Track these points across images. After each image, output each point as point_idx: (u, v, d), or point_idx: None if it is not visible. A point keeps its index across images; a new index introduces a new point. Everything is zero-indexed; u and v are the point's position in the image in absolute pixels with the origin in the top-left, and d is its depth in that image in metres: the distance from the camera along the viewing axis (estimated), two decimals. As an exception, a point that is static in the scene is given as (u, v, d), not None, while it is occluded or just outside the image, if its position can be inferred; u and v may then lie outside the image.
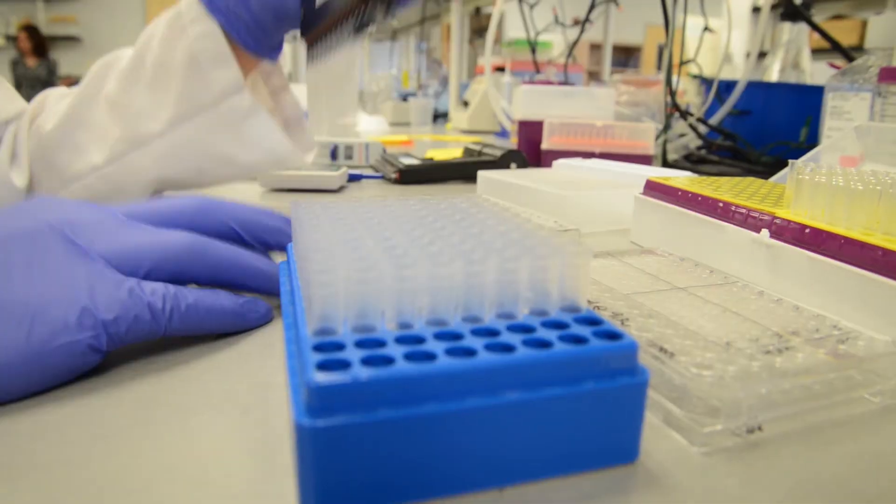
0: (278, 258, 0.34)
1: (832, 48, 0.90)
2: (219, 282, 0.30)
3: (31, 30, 5.14)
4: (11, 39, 5.51)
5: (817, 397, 0.24)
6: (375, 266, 0.20)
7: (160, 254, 0.28)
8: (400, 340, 0.19)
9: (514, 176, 0.62)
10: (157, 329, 0.26)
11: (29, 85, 4.71)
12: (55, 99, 0.56)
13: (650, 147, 0.83)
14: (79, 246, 0.27)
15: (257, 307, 0.31)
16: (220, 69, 0.50)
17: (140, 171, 0.51)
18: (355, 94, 0.46)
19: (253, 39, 0.51)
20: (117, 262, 0.27)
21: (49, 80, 4.99)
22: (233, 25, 0.50)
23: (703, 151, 1.03)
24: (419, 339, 0.20)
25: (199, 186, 0.57)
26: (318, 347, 0.19)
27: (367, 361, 0.18)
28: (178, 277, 0.29)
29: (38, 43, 5.11)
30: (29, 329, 0.24)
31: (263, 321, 0.32)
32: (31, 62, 5.05)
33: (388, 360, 0.18)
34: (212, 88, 0.50)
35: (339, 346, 0.19)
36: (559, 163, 0.70)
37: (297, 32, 0.51)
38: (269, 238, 0.34)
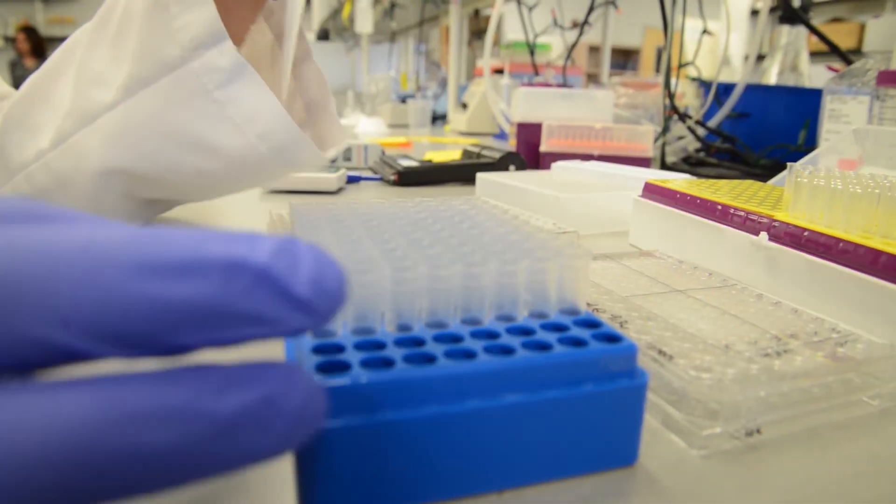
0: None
1: (830, 51, 0.90)
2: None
3: (29, 31, 5.15)
4: (10, 41, 5.51)
5: (816, 400, 0.24)
6: (375, 268, 0.20)
7: None
8: (399, 342, 0.19)
9: (512, 178, 0.62)
10: None
11: None
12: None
13: (649, 149, 0.83)
14: None
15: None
16: (191, 10, 0.35)
17: (84, 157, 0.38)
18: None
19: None
20: None
21: None
22: None
23: (701, 154, 1.03)
24: (419, 342, 0.20)
25: (176, 194, 0.42)
26: (318, 349, 0.19)
27: (366, 363, 0.18)
28: None
29: (37, 44, 5.12)
30: None
31: None
32: (30, 63, 5.05)
33: (388, 363, 0.18)
34: (178, 37, 0.35)
35: (339, 348, 0.19)
36: (557, 165, 0.70)
37: None
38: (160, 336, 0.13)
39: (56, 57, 0.41)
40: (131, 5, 0.37)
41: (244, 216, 0.61)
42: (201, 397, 0.13)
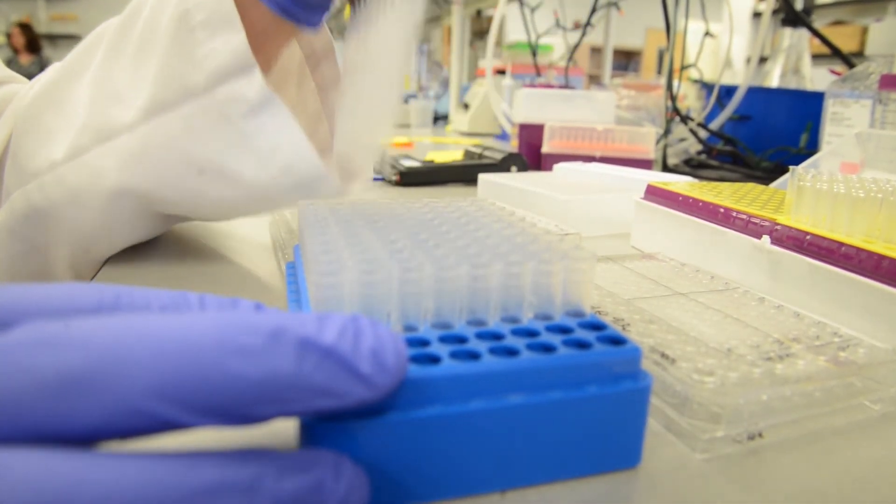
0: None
1: (833, 54, 0.90)
2: None
3: (23, 26, 5.14)
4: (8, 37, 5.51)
5: (818, 404, 0.24)
6: (381, 268, 0.20)
7: None
8: (405, 343, 0.19)
9: (514, 179, 0.62)
10: None
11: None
12: (51, 69, 0.43)
13: (650, 151, 0.83)
14: None
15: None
16: (218, 36, 0.34)
17: (101, 176, 0.36)
18: (397, 95, 0.35)
19: None
20: None
21: None
22: None
23: (703, 156, 1.03)
24: (424, 342, 0.20)
25: (187, 214, 0.41)
26: (324, 349, 0.19)
27: (372, 364, 0.18)
28: None
29: (31, 39, 5.11)
30: None
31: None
32: (25, 60, 5.05)
33: (393, 363, 0.18)
34: (204, 65, 0.34)
35: (345, 349, 0.19)
36: (560, 166, 0.70)
37: None
38: (243, 408, 0.14)
39: (73, 58, 0.40)
40: (155, 21, 0.36)
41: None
42: (264, 478, 0.14)
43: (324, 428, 0.17)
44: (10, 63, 5.06)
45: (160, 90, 0.35)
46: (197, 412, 0.14)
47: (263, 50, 0.36)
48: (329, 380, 0.15)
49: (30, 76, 0.48)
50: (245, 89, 0.34)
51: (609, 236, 0.53)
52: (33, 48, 5.12)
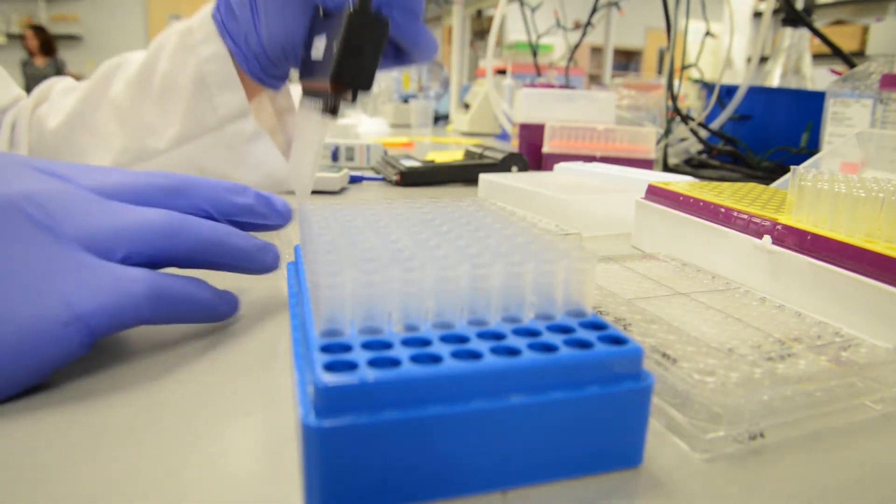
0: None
1: (833, 54, 0.90)
2: (197, 262, 0.28)
3: (36, 29, 5.14)
4: (14, 38, 5.51)
5: (819, 404, 0.24)
6: (383, 269, 0.20)
7: (136, 235, 0.26)
8: (406, 342, 0.20)
9: (514, 179, 0.62)
10: (136, 320, 0.25)
11: (35, 87, 4.70)
12: (60, 92, 0.55)
13: (651, 151, 0.83)
14: (48, 228, 0.24)
15: (229, 300, 0.30)
16: (227, 93, 0.51)
17: None
18: (312, 164, 0.47)
19: (259, 68, 0.52)
20: (91, 245, 0.25)
21: None
22: (241, 51, 0.51)
23: (703, 156, 1.03)
24: (425, 342, 0.20)
25: None
26: (326, 349, 0.19)
27: (373, 363, 0.18)
28: (155, 259, 0.27)
29: (45, 41, 5.11)
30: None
31: (233, 314, 0.31)
32: (40, 62, 5.05)
33: (395, 362, 0.18)
34: (217, 112, 0.51)
35: (346, 348, 0.19)
36: (560, 166, 0.70)
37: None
38: (240, 217, 0.32)
39: (88, 91, 0.53)
40: (176, 76, 0.51)
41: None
42: (210, 289, 0.29)
43: (325, 427, 0.17)
44: (26, 65, 5.07)
45: (185, 127, 0.51)
46: (223, 215, 0.31)
47: (249, 96, 0.53)
48: (268, 210, 0.33)
49: (47, 78, 0.58)
50: (244, 126, 0.52)
51: (610, 236, 0.53)
52: (48, 50, 5.13)
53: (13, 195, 0.24)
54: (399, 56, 0.50)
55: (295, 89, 0.60)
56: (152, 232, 0.26)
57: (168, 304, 0.26)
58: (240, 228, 0.31)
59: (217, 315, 0.30)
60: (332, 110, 0.42)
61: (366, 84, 0.42)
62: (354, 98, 0.43)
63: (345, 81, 0.41)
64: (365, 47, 0.41)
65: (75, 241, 0.24)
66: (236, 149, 0.52)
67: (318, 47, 0.45)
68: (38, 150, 0.53)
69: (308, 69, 0.47)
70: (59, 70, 5.09)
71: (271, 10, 0.48)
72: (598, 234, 0.53)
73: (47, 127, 0.52)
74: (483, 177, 0.65)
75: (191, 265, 0.29)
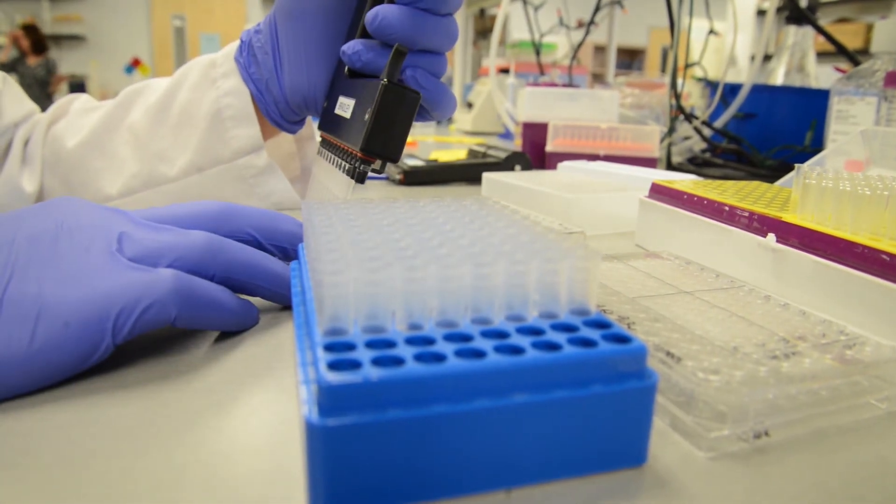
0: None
1: (837, 52, 0.90)
2: (232, 281, 0.30)
3: (28, 28, 5.14)
4: (13, 38, 5.52)
5: (824, 403, 0.24)
6: (386, 267, 0.20)
7: (180, 250, 0.28)
8: (410, 341, 0.20)
9: (518, 178, 0.62)
10: (163, 315, 0.26)
11: (26, 84, 4.69)
12: (78, 112, 0.56)
13: (654, 150, 0.83)
14: (101, 243, 0.27)
15: (252, 311, 0.31)
16: (242, 128, 0.51)
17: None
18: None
19: (279, 113, 0.52)
20: (138, 257, 0.27)
21: (47, 79, 4.99)
22: (262, 96, 0.51)
23: (707, 154, 1.03)
24: (429, 341, 0.20)
25: None
26: (329, 347, 0.19)
27: (377, 362, 0.18)
28: (194, 274, 0.28)
29: (37, 40, 5.11)
30: (35, 324, 0.23)
31: (254, 324, 0.31)
32: (32, 61, 5.05)
33: (398, 361, 0.18)
34: (231, 145, 0.51)
35: (350, 347, 0.19)
36: (564, 165, 0.70)
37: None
38: (285, 243, 0.34)
39: (108, 115, 0.53)
40: (192, 109, 0.51)
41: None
42: (236, 299, 0.30)
43: (329, 426, 0.17)
44: (18, 64, 5.07)
45: (198, 157, 0.51)
46: (265, 239, 0.34)
47: (264, 133, 0.53)
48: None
49: (37, 78, 0.61)
50: (256, 161, 0.52)
51: (613, 235, 0.53)
52: (39, 49, 5.12)
53: (78, 222, 0.28)
54: (419, 113, 0.50)
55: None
56: (194, 248, 0.28)
57: (194, 303, 0.27)
58: (284, 255, 0.34)
59: (241, 322, 0.30)
60: (360, 178, 0.43)
61: (395, 156, 0.42)
62: (383, 168, 0.43)
63: (376, 152, 0.41)
64: (397, 120, 0.41)
65: (124, 256, 0.27)
66: (247, 181, 0.53)
67: (346, 106, 0.45)
68: (52, 167, 0.53)
69: (330, 122, 0.48)
70: (50, 70, 5.09)
71: (294, 60, 0.49)
72: (602, 233, 0.53)
73: (64, 146, 0.53)
74: (487, 176, 0.65)
75: (228, 284, 0.30)
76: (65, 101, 0.56)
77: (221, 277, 0.29)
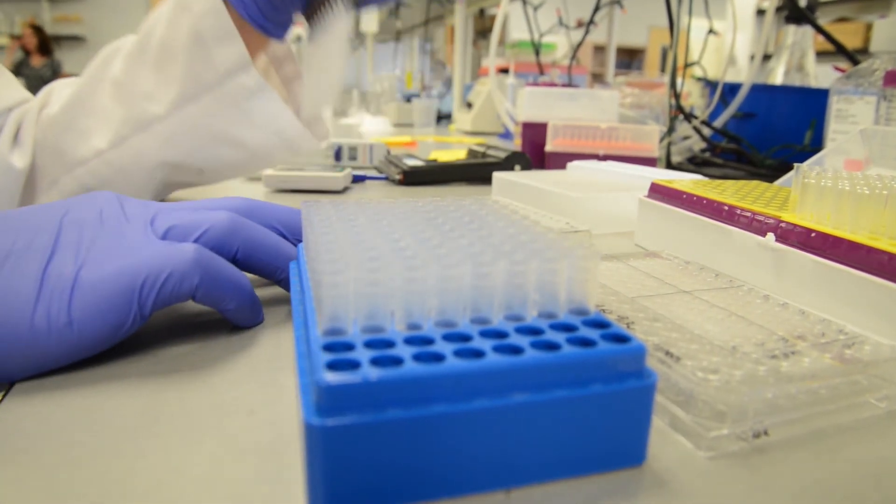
0: None
1: (837, 51, 0.90)
2: (252, 260, 0.32)
3: (35, 28, 5.15)
4: (17, 39, 5.52)
5: (823, 402, 0.24)
6: (385, 267, 0.20)
7: (206, 226, 0.30)
8: (409, 341, 0.20)
9: (527, 177, 0.63)
10: (185, 284, 0.27)
11: (32, 86, 4.68)
12: (61, 87, 0.55)
13: (654, 149, 0.83)
14: (137, 224, 0.30)
15: (261, 308, 0.32)
16: (225, 46, 0.48)
17: (144, 155, 0.50)
18: (335, 85, 0.50)
19: (260, 12, 0.49)
20: (168, 234, 0.30)
21: (52, 80, 4.98)
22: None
23: (706, 154, 1.03)
24: (428, 341, 0.20)
25: (208, 177, 0.55)
26: (328, 347, 0.19)
27: (376, 362, 0.18)
28: (216, 251, 0.30)
29: (43, 41, 5.12)
30: (70, 295, 0.25)
31: (258, 322, 0.32)
32: (37, 62, 5.05)
33: (398, 361, 0.18)
34: (216, 66, 0.48)
35: (349, 347, 0.19)
36: (574, 164, 0.70)
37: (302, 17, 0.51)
38: None
39: (88, 75, 0.52)
40: (170, 41, 0.48)
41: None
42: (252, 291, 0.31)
43: (328, 427, 0.17)
44: (23, 65, 5.06)
45: (184, 87, 0.48)
46: (286, 231, 0.35)
47: (251, 53, 0.50)
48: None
49: (42, 78, 0.61)
50: (246, 81, 0.49)
51: (613, 234, 0.53)
52: (45, 50, 5.13)
53: (115, 209, 0.30)
54: None
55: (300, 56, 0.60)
56: (219, 225, 0.30)
57: (215, 274, 0.28)
58: None
59: (254, 308, 0.31)
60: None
61: None
62: None
63: None
64: None
65: (154, 233, 0.29)
66: (241, 105, 0.50)
67: None
68: (41, 140, 0.52)
69: None
70: (54, 71, 5.09)
71: None
72: (602, 232, 0.53)
73: (50, 115, 0.52)
74: (496, 175, 0.66)
75: (246, 261, 0.32)
76: (48, 87, 0.56)
77: (244, 254, 0.31)
